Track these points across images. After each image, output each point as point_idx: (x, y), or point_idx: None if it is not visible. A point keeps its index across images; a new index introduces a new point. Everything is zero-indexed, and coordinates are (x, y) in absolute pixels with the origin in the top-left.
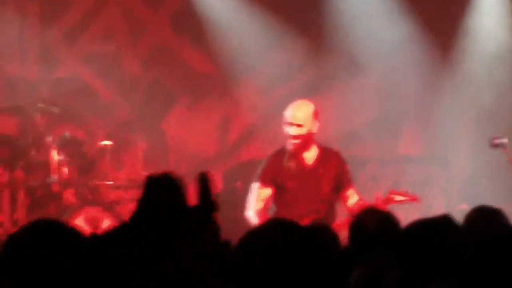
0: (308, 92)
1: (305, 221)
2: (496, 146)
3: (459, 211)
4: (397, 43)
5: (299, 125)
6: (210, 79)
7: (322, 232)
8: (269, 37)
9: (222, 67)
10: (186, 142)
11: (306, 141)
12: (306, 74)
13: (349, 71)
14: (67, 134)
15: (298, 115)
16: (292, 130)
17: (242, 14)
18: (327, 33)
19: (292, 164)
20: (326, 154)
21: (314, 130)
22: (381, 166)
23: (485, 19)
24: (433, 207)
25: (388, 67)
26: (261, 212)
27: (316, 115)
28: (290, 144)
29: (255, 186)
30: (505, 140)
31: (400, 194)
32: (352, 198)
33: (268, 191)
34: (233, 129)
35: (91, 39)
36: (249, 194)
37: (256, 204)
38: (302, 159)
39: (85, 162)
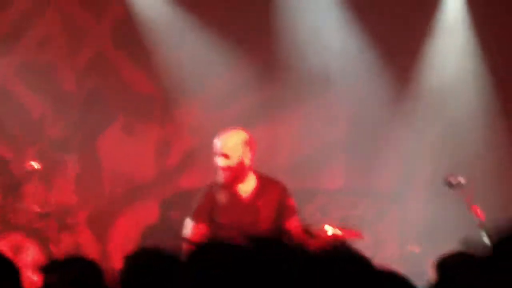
0: (255, 115)
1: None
2: (451, 185)
3: (409, 253)
4: (350, 65)
5: (227, 156)
6: (150, 98)
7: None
8: (214, 56)
9: (163, 86)
10: (122, 165)
11: (237, 172)
12: (253, 95)
13: (299, 93)
14: None
15: (227, 145)
16: (221, 161)
17: (186, 30)
18: (276, 51)
19: (225, 198)
20: (265, 185)
21: (247, 160)
22: (330, 198)
23: (444, 45)
24: (385, 246)
25: (341, 92)
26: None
27: (248, 144)
28: (221, 176)
29: (189, 223)
30: (461, 179)
31: (340, 228)
32: (295, 231)
33: (203, 229)
34: (173, 153)
35: (24, 49)
36: (183, 231)
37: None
38: (237, 192)
39: (11, 184)
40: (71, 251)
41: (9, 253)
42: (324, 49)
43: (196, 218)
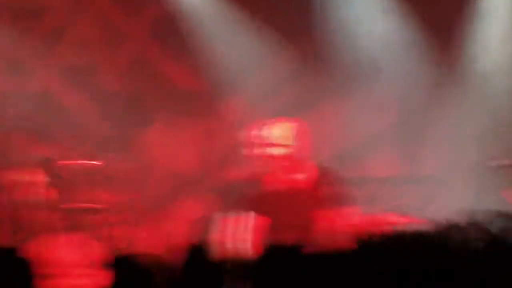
0: (298, 108)
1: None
2: (496, 168)
3: None
4: (396, 52)
5: (279, 145)
6: (193, 94)
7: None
8: (257, 48)
9: (206, 81)
10: (167, 161)
11: (288, 161)
12: (297, 87)
13: (342, 84)
14: (43, 154)
15: (279, 134)
16: (272, 151)
17: (228, 24)
18: (318, 43)
19: (274, 188)
20: (315, 174)
21: (297, 149)
22: (379, 187)
23: (491, 28)
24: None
25: (385, 80)
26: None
27: (299, 134)
28: (270, 166)
29: (239, 214)
30: (505, 162)
31: (396, 215)
32: (345, 219)
33: (255, 219)
34: (218, 147)
35: (65, 50)
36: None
37: (245, 235)
38: (287, 181)
39: (63, 184)
40: (125, 248)
41: (70, 253)
42: (368, 37)
43: (245, 208)
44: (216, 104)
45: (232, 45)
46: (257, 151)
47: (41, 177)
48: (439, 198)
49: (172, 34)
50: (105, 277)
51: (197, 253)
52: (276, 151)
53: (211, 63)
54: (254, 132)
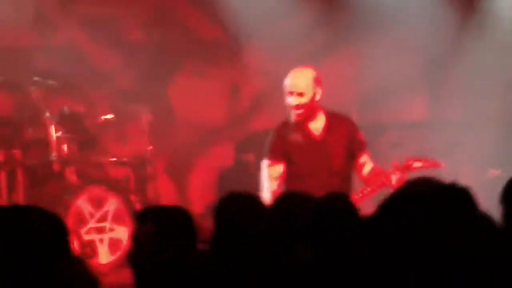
0: (321, 56)
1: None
2: None
3: (491, 177)
4: (413, 1)
5: (300, 94)
6: (216, 43)
7: (338, 201)
8: None
9: (229, 30)
10: (193, 111)
11: (309, 110)
12: (318, 36)
13: (364, 31)
14: (66, 108)
15: (299, 83)
16: (293, 100)
17: None
18: None
19: (297, 137)
20: (334, 121)
21: (317, 97)
22: (402, 132)
23: None
24: (462, 174)
25: (409, 24)
26: (277, 192)
27: (318, 81)
28: (293, 115)
29: (265, 164)
30: None
31: (419, 160)
32: (367, 166)
33: (280, 168)
34: (243, 97)
35: (89, 2)
36: (261, 173)
37: (270, 184)
38: (308, 130)
39: (86, 138)
40: (150, 200)
41: (91, 206)
42: None
43: (271, 157)
44: (241, 53)
45: None
46: (285, 99)
47: (58, 133)
48: (464, 143)
49: None
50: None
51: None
52: (293, 100)
53: (234, 12)
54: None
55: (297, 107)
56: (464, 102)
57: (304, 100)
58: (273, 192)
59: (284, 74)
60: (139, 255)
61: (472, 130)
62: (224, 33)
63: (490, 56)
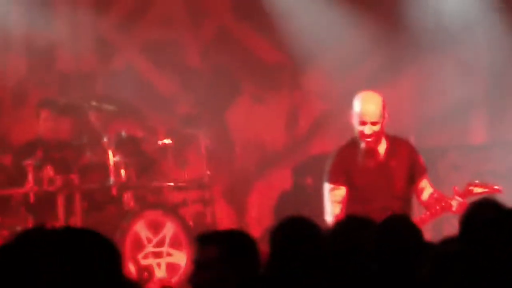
0: (380, 77)
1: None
2: None
3: None
4: (474, 20)
5: (373, 123)
6: (275, 66)
7: (400, 224)
8: (337, 19)
9: (288, 54)
10: (252, 135)
11: (379, 137)
12: (378, 57)
13: (422, 53)
14: (124, 133)
15: (372, 112)
16: (367, 129)
17: None
18: (398, 11)
19: (360, 160)
20: (395, 144)
21: (385, 123)
22: (462, 155)
23: None
24: None
25: (469, 44)
26: (340, 216)
27: (385, 107)
28: (363, 142)
29: (327, 187)
30: None
31: (479, 186)
32: (427, 191)
33: (343, 191)
34: (302, 120)
35: (148, 27)
36: (324, 196)
37: (333, 207)
38: (372, 153)
39: (144, 162)
40: (208, 225)
41: (149, 231)
42: (447, 3)
43: (333, 180)
44: (301, 76)
45: (313, 18)
46: (355, 126)
47: (116, 157)
48: None
49: (252, 7)
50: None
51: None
52: (367, 129)
53: (292, 36)
54: (353, 109)
55: (371, 136)
56: None
57: (376, 128)
58: (336, 216)
59: (344, 97)
60: (201, 279)
61: None
62: (283, 57)
63: None
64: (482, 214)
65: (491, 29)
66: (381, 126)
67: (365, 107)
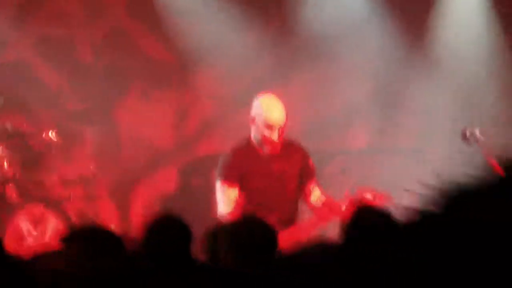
0: (270, 80)
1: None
2: (466, 138)
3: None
4: (361, 23)
5: (281, 128)
6: (165, 65)
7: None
8: (228, 20)
9: (179, 53)
10: (140, 134)
11: (280, 141)
12: (267, 60)
13: (312, 56)
14: (9, 125)
15: (280, 117)
16: (275, 135)
17: None
18: (289, 14)
19: (253, 162)
20: (289, 148)
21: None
22: (349, 159)
23: (459, 4)
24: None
25: (354, 50)
26: (234, 214)
27: (286, 111)
28: (268, 148)
29: (221, 186)
30: (476, 132)
31: (369, 191)
32: (315, 194)
33: (236, 191)
34: (190, 120)
35: (41, 22)
36: (217, 195)
37: (226, 206)
38: (263, 156)
39: (29, 156)
40: (92, 221)
41: (29, 225)
42: (335, 10)
43: (227, 179)
44: (191, 76)
45: (204, 18)
46: (256, 130)
47: (1, 149)
48: (413, 169)
49: (146, 6)
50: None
51: (163, 225)
52: (275, 135)
53: (183, 36)
54: (254, 112)
55: (277, 141)
56: (413, 129)
57: (282, 133)
58: (230, 214)
59: (233, 98)
60: None
61: (419, 156)
62: (174, 56)
63: (436, 82)
64: (363, 220)
65: (379, 35)
66: (283, 131)
67: (272, 112)
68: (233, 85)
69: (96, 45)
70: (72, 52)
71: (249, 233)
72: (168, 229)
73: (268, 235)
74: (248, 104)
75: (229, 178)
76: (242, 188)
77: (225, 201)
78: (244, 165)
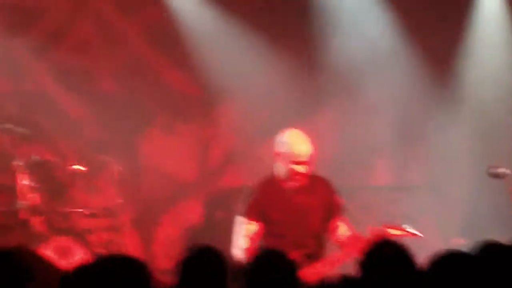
0: (294, 115)
1: (293, 256)
2: (494, 176)
3: (455, 245)
4: (387, 58)
5: (306, 162)
6: (189, 98)
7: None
8: (252, 55)
9: (202, 86)
10: (163, 166)
11: (307, 175)
12: (290, 94)
13: (337, 91)
14: (35, 156)
15: (306, 152)
16: (302, 169)
17: (224, 30)
18: (313, 49)
19: (277, 196)
20: (314, 182)
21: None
22: (373, 195)
23: (484, 40)
24: (428, 240)
25: (379, 85)
26: (250, 250)
27: (313, 146)
28: (294, 181)
29: (240, 221)
30: (504, 170)
31: (395, 228)
32: (342, 229)
33: (255, 226)
34: (214, 153)
35: (63, 52)
36: (235, 229)
37: (242, 241)
38: (288, 189)
39: (55, 187)
40: (117, 252)
41: (55, 257)
42: (362, 44)
43: (248, 214)
44: (213, 109)
45: (227, 51)
46: (283, 165)
47: (27, 181)
48: (434, 206)
49: (168, 38)
50: None
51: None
52: (302, 169)
53: (207, 69)
54: (280, 147)
55: (304, 175)
56: (435, 166)
57: (308, 167)
58: (245, 250)
59: (256, 131)
60: None
61: (441, 195)
62: (197, 87)
63: (459, 120)
64: (380, 254)
65: (404, 70)
66: (310, 166)
67: (299, 145)
68: (256, 118)
69: (117, 75)
70: (93, 82)
71: (269, 270)
72: (207, 263)
73: (289, 271)
74: (271, 137)
75: (250, 214)
76: (263, 221)
77: (242, 236)
78: (267, 198)
